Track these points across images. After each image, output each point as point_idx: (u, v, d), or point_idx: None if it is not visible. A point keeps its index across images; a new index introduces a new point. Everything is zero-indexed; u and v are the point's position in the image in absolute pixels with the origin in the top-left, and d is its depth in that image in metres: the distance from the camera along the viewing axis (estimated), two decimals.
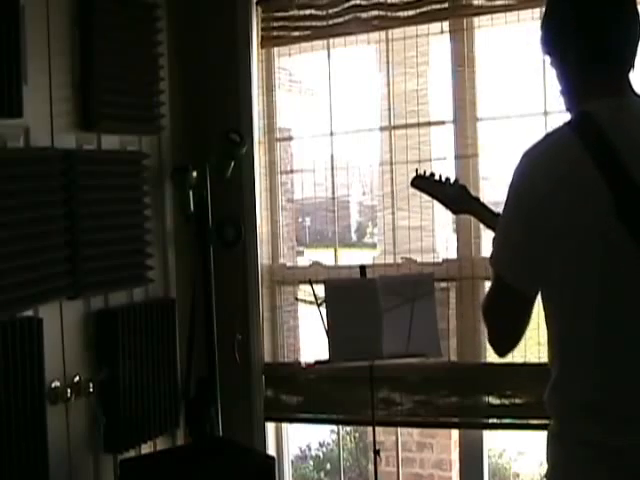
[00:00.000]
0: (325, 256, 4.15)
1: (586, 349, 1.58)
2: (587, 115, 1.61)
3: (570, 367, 1.61)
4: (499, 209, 1.75)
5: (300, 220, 5.45)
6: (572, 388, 1.60)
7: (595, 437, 1.55)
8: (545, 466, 1.69)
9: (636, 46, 1.67)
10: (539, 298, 1.67)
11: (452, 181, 2.32)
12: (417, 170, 2.39)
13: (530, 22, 3.16)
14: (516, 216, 1.64)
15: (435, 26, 3.38)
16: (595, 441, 1.55)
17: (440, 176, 2.34)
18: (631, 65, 1.67)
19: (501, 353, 1.73)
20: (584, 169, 1.54)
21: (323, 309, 3.03)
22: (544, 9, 1.75)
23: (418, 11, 3.35)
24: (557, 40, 1.70)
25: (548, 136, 1.65)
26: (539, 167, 1.61)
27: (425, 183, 2.36)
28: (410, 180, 2.41)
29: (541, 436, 1.72)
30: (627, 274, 1.54)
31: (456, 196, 2.30)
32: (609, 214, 1.52)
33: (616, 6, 1.65)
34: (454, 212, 2.37)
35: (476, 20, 3.31)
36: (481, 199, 2.32)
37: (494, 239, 1.73)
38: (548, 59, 1.75)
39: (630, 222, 1.52)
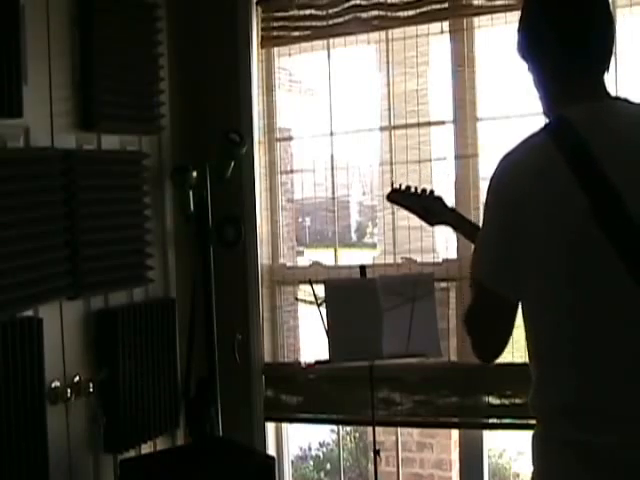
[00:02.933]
0: (325, 256, 4.15)
1: (563, 350, 1.58)
2: (564, 119, 1.61)
3: (548, 369, 1.61)
4: None
5: (300, 220, 5.45)
6: (551, 390, 1.61)
7: (576, 437, 1.55)
8: None
9: (611, 49, 1.67)
10: None
11: (428, 193, 2.34)
12: (392, 184, 2.41)
13: None
14: (494, 221, 1.64)
15: (435, 26, 3.38)
16: (576, 441, 1.55)
17: (416, 189, 2.36)
18: (606, 68, 1.67)
19: (487, 361, 1.73)
20: (559, 172, 1.54)
21: (323, 309, 3.03)
22: (519, 14, 1.75)
23: (418, 11, 3.35)
24: (533, 45, 1.70)
25: (524, 141, 1.65)
26: (515, 171, 1.62)
27: (401, 197, 2.38)
28: (386, 195, 2.42)
29: None
30: (603, 275, 1.53)
31: (432, 208, 2.32)
32: (585, 216, 1.52)
33: (591, 9, 1.64)
34: (430, 224, 2.38)
35: (476, 20, 3.31)
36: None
37: (474, 248, 1.73)
38: (525, 64, 1.75)
39: (605, 224, 1.51)
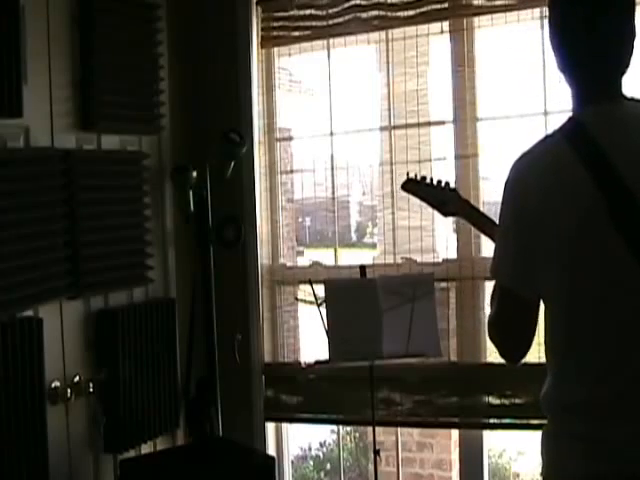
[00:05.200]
0: (325, 256, 4.14)
1: (579, 348, 1.59)
2: (577, 122, 1.62)
3: (564, 366, 1.62)
4: (498, 210, 1.76)
5: (300, 220, 5.44)
6: (566, 387, 1.62)
7: (586, 431, 1.57)
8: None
9: (628, 50, 1.65)
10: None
11: (444, 184, 2.34)
12: (408, 174, 2.42)
13: (530, 22, 3.15)
14: (511, 223, 1.65)
15: (435, 26, 3.38)
16: (586, 436, 1.57)
17: (432, 179, 2.37)
18: (622, 70, 1.66)
19: (514, 362, 1.73)
20: (576, 175, 1.55)
21: (323, 309, 3.03)
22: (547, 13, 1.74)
23: (418, 11, 3.35)
24: (556, 46, 1.69)
25: (539, 143, 1.66)
26: (531, 173, 1.63)
27: (416, 186, 2.39)
28: (401, 184, 2.43)
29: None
30: (620, 276, 1.55)
31: (447, 199, 2.33)
32: (601, 218, 1.53)
33: (603, 9, 1.62)
34: (444, 215, 2.39)
35: (476, 20, 3.31)
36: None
37: (493, 252, 1.73)
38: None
39: (622, 226, 1.53)
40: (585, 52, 1.64)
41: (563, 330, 1.62)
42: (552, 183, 1.58)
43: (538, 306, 1.66)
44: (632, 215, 1.53)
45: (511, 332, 1.71)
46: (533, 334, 1.69)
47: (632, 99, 1.68)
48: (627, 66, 1.66)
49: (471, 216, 2.32)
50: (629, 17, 1.64)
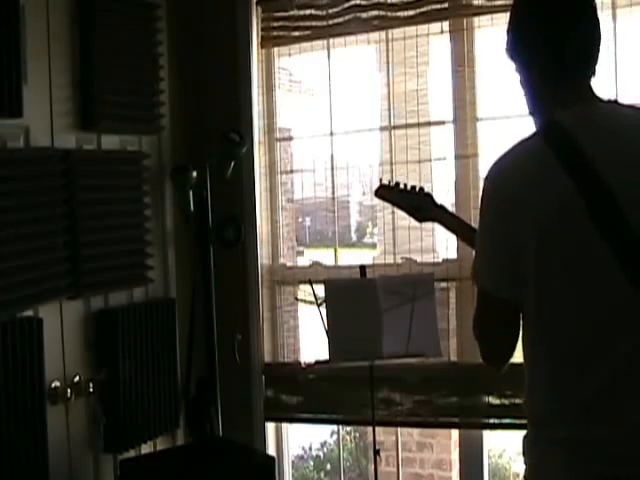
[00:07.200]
0: (325, 256, 4.14)
1: (549, 355, 1.60)
2: (555, 123, 1.62)
3: (537, 372, 1.63)
4: None
5: (300, 220, 5.45)
6: (539, 393, 1.63)
7: (563, 435, 1.57)
8: None
9: (597, 52, 1.68)
10: None
11: (418, 189, 2.34)
12: (381, 180, 2.42)
13: None
14: (488, 222, 1.65)
15: (435, 26, 3.38)
16: (564, 439, 1.57)
17: (405, 185, 2.36)
18: (592, 71, 1.69)
19: (497, 367, 1.72)
20: (554, 173, 1.55)
21: (323, 309, 3.03)
22: (508, 15, 1.76)
23: (418, 11, 3.36)
24: (520, 46, 1.72)
25: (516, 146, 1.66)
26: (509, 173, 1.63)
27: (389, 193, 2.39)
28: (374, 191, 2.43)
29: None
30: (597, 274, 1.54)
31: (421, 204, 2.32)
32: (580, 216, 1.53)
33: (576, 13, 1.66)
34: (418, 220, 2.38)
35: (476, 20, 3.31)
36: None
37: (474, 254, 1.73)
38: (513, 65, 1.76)
39: (600, 224, 1.53)
40: (568, 55, 1.65)
41: (539, 335, 1.62)
42: (530, 182, 1.57)
43: (517, 308, 1.64)
44: (610, 213, 1.53)
45: (492, 334, 1.70)
46: (514, 337, 1.67)
47: (608, 101, 1.70)
48: (595, 70, 1.69)
49: (447, 221, 2.32)
50: (598, 20, 1.68)
